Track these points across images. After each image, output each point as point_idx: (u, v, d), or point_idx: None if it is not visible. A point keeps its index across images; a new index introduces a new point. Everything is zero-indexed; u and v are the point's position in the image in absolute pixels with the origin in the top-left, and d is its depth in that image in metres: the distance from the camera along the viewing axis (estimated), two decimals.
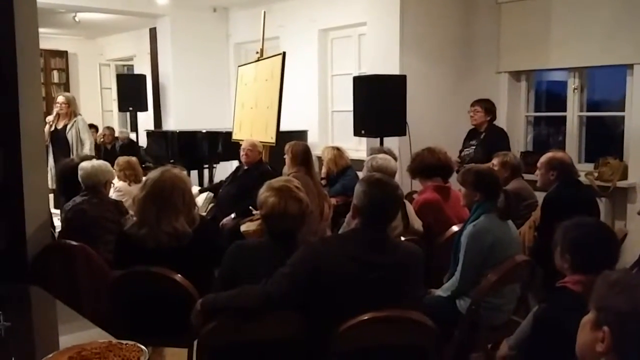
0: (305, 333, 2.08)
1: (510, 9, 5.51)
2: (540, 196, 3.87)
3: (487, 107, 4.99)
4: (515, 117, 5.73)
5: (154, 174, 2.68)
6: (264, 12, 5.77)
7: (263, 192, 2.29)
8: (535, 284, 3.12)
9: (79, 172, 3.43)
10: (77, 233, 3.19)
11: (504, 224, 2.92)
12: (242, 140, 5.31)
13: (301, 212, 2.24)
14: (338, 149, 5.19)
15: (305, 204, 2.27)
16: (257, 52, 5.88)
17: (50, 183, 4.72)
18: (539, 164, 3.73)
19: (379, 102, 4.95)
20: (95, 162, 3.52)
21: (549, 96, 5.98)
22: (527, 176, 4.38)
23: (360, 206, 2.15)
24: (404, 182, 5.22)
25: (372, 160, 3.60)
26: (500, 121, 5.63)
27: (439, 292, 2.97)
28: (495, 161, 4.22)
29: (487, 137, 4.94)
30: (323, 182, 4.85)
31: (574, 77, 5.29)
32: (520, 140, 5.74)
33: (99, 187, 3.43)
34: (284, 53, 5.22)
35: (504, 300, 2.90)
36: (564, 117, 5.40)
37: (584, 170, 4.85)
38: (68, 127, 5.80)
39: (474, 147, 4.88)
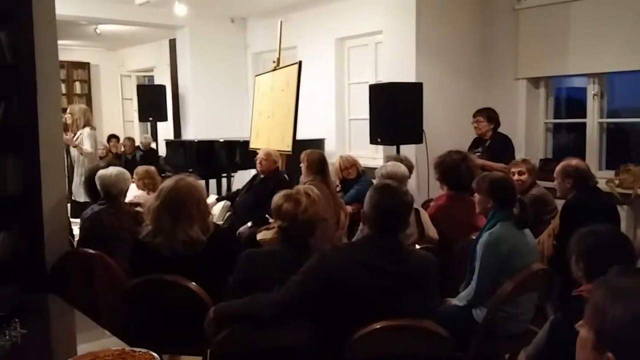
0: (318, 341, 2.07)
1: (528, 15, 5.47)
2: (559, 204, 3.83)
3: (490, 115, 4.95)
4: (534, 124, 5.67)
5: (168, 182, 2.70)
6: (281, 22, 5.81)
7: (276, 199, 2.30)
8: (554, 293, 3.07)
9: (97, 181, 3.46)
10: (93, 242, 3.21)
11: (520, 232, 2.88)
12: (259, 149, 5.34)
13: (313, 219, 2.24)
14: (342, 157, 5.16)
15: (317, 211, 2.26)
16: (273, 62, 5.91)
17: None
18: (555, 173, 3.69)
19: (395, 110, 4.94)
20: (115, 170, 3.52)
21: (569, 103, 5.91)
22: (546, 183, 4.32)
23: (370, 213, 2.14)
24: (421, 189, 5.20)
25: (382, 169, 3.59)
26: (519, 128, 5.60)
27: (455, 301, 2.94)
28: (523, 167, 4.19)
29: (492, 144, 4.92)
30: (337, 188, 4.84)
31: (593, 83, 5.22)
32: (539, 148, 5.68)
33: (118, 196, 3.44)
34: (300, 62, 5.25)
35: (521, 309, 2.85)
36: (584, 124, 5.33)
37: (605, 177, 4.78)
38: (73, 139, 5.92)
39: (479, 155, 4.84)
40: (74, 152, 5.96)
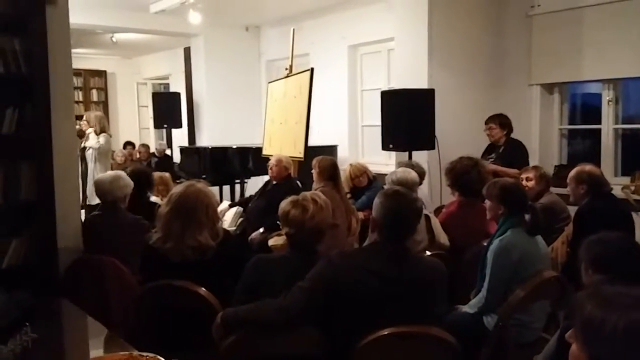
0: (325, 348, 2.06)
1: (541, 21, 5.43)
2: (573, 210, 3.78)
3: (502, 121, 4.91)
4: (548, 130, 5.63)
5: (178, 189, 2.72)
6: (293, 30, 5.84)
7: (283, 206, 2.31)
8: (566, 300, 3.03)
9: (94, 187, 3.42)
10: (92, 249, 3.22)
11: (531, 239, 2.85)
12: (271, 155, 5.35)
13: (320, 225, 2.24)
14: (352, 165, 5.15)
15: (325, 217, 2.26)
16: (286, 69, 5.94)
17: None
18: (568, 179, 3.65)
19: (407, 116, 4.93)
20: (109, 177, 3.45)
21: (584, 109, 5.86)
22: (561, 190, 4.28)
23: (378, 219, 2.13)
24: (434, 195, 5.18)
25: (393, 175, 3.58)
26: (533, 134, 5.56)
27: (466, 308, 2.92)
28: (531, 174, 4.15)
29: (505, 150, 4.87)
30: (348, 195, 4.83)
31: (608, 89, 5.17)
32: (554, 154, 5.63)
33: (117, 203, 3.35)
34: (312, 69, 5.26)
35: (532, 317, 2.82)
36: (599, 130, 5.27)
37: (620, 183, 4.73)
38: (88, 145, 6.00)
39: (492, 161, 4.81)
40: (88, 156, 6.02)
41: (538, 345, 2.72)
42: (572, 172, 3.61)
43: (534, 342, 2.82)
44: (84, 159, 6.03)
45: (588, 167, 3.59)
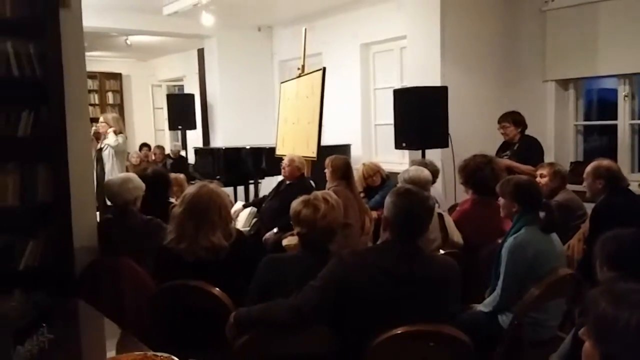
0: (337, 347, 2.06)
1: (555, 16, 5.38)
2: (589, 207, 3.74)
3: (515, 119, 4.86)
4: (563, 126, 5.57)
5: (191, 189, 2.74)
6: (305, 30, 5.84)
7: (294, 205, 2.31)
8: (582, 298, 3.00)
9: (105, 190, 3.45)
10: (106, 250, 3.25)
11: (546, 237, 2.83)
12: (285, 155, 5.37)
13: (332, 225, 2.24)
14: (365, 164, 5.13)
15: (336, 216, 2.26)
16: (298, 69, 5.95)
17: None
18: (585, 174, 3.61)
19: (419, 114, 4.91)
20: (122, 178, 3.46)
21: (600, 104, 5.79)
22: (577, 187, 4.23)
23: (390, 218, 2.13)
24: (448, 194, 5.15)
25: (405, 173, 3.56)
26: (548, 131, 5.51)
27: (480, 307, 2.90)
28: (544, 171, 4.11)
29: (520, 147, 4.83)
30: (361, 195, 4.82)
31: (624, 84, 5.10)
32: (569, 150, 5.57)
33: (127, 206, 3.34)
34: (324, 69, 5.27)
35: (548, 315, 2.80)
36: (615, 126, 5.20)
37: (638, 180, 4.66)
38: (104, 146, 6.05)
39: (506, 158, 4.76)
40: (105, 156, 6.07)
41: (553, 343, 2.68)
42: (589, 167, 3.57)
43: (550, 340, 2.79)
44: (100, 160, 6.09)
45: (606, 162, 3.55)
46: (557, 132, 5.51)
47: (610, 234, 1.96)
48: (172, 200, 4.37)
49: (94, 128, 6.15)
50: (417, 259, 2.11)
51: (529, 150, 4.78)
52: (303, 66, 5.84)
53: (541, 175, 4.10)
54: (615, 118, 5.20)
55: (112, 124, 6.14)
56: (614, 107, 5.25)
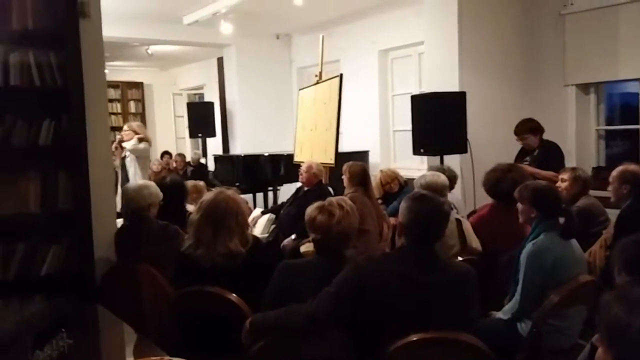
0: (352, 353, 2.06)
1: (575, 20, 5.32)
2: (612, 213, 3.68)
3: (532, 127, 4.77)
4: (584, 131, 5.50)
5: (208, 196, 2.76)
6: (322, 37, 5.87)
7: (309, 212, 2.31)
8: None
9: (122, 194, 3.49)
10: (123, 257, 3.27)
11: (566, 243, 2.78)
12: (303, 162, 5.38)
13: (347, 231, 2.24)
14: (382, 171, 5.11)
15: (351, 222, 2.26)
16: (316, 75, 5.98)
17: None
18: (610, 178, 3.56)
19: (437, 120, 4.90)
20: (140, 184, 3.49)
21: (622, 109, 5.70)
22: (600, 192, 4.17)
23: (405, 223, 2.11)
24: (467, 199, 5.11)
25: (422, 179, 3.55)
26: (569, 136, 5.44)
27: (499, 314, 2.86)
28: (565, 176, 4.05)
29: (540, 153, 4.76)
30: (379, 201, 4.80)
31: None
32: (591, 155, 5.49)
33: (142, 212, 3.34)
34: (341, 75, 5.28)
35: (568, 322, 2.75)
36: (638, 130, 5.12)
37: None
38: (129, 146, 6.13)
39: (527, 164, 4.70)
40: (128, 163, 6.15)
41: (574, 351, 2.64)
42: (616, 171, 3.52)
43: (570, 348, 2.74)
44: (124, 167, 6.17)
45: (632, 167, 3.49)
46: (578, 137, 5.44)
47: (630, 239, 1.92)
48: (189, 208, 4.41)
49: (118, 136, 6.24)
50: (433, 264, 2.10)
51: (549, 156, 4.72)
52: (320, 73, 5.87)
53: (562, 180, 4.04)
54: (638, 122, 5.12)
55: (138, 131, 6.23)
56: (636, 111, 5.16)
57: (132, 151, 6.08)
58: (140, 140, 6.15)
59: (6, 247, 2.92)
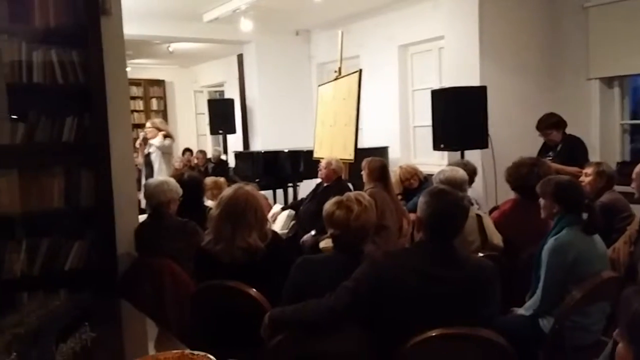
0: (370, 348, 2.06)
1: (598, 13, 5.23)
2: (637, 209, 3.62)
3: (555, 122, 4.71)
4: (609, 125, 5.41)
5: (227, 192, 2.77)
6: (341, 32, 5.86)
7: (327, 207, 2.32)
8: None
9: (143, 190, 3.51)
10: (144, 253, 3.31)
11: (588, 239, 2.74)
12: (322, 158, 5.38)
13: (365, 226, 2.23)
14: (402, 167, 5.08)
15: (369, 218, 2.26)
16: (335, 71, 5.97)
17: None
18: (633, 175, 3.49)
19: (458, 115, 4.86)
20: (159, 180, 3.53)
21: None
22: (624, 188, 4.09)
23: (424, 218, 2.10)
24: (489, 195, 5.07)
25: (441, 174, 3.52)
26: (593, 130, 5.36)
27: (521, 310, 2.84)
28: (589, 170, 3.99)
29: (563, 148, 4.69)
30: (399, 197, 4.79)
31: None
32: (615, 150, 5.40)
33: (161, 208, 3.38)
34: (360, 71, 5.27)
35: (591, 319, 2.71)
36: None
37: None
38: (152, 149, 6.19)
39: (550, 159, 4.63)
40: (153, 158, 6.21)
41: (597, 348, 2.60)
42: (638, 168, 3.45)
43: (593, 344, 2.70)
44: (149, 164, 6.24)
45: None
46: (602, 131, 5.35)
47: None
48: (210, 204, 4.45)
49: (142, 133, 6.31)
50: (451, 259, 2.08)
51: (573, 150, 4.65)
52: (340, 69, 5.86)
53: (585, 175, 3.98)
54: None
55: (161, 128, 6.30)
56: None
57: (160, 148, 6.15)
58: (165, 136, 6.23)
59: (31, 242, 2.97)
